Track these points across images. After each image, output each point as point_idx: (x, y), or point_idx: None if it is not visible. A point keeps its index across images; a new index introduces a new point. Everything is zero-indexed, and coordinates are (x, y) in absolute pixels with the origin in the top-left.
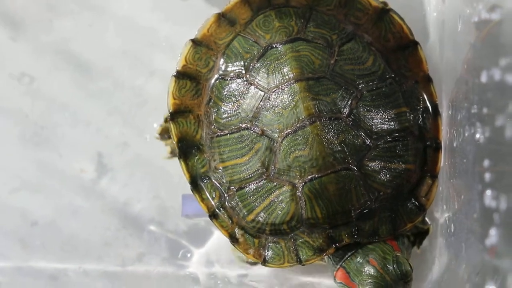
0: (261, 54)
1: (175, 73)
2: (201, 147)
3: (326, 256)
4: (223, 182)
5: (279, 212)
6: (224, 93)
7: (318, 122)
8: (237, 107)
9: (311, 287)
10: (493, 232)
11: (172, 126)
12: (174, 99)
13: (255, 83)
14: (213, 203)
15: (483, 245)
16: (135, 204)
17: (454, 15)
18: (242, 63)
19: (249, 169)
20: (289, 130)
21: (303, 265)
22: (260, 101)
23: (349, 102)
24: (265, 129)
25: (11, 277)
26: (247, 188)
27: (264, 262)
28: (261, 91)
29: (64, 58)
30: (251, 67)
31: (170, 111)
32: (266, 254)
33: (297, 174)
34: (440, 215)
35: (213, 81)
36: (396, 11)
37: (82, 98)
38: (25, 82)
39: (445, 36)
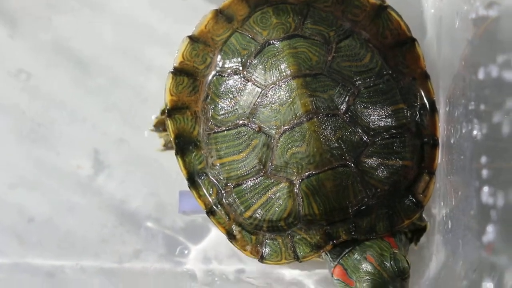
0: (259, 51)
1: (172, 70)
2: (198, 143)
3: (324, 253)
4: (220, 179)
5: (277, 208)
6: (221, 90)
7: (315, 119)
8: (234, 103)
9: (307, 283)
10: (490, 228)
11: (169, 122)
12: (171, 95)
13: (252, 79)
14: (210, 199)
15: (480, 241)
16: (132, 201)
17: (451, 12)
18: (239, 59)
19: (246, 165)
20: (286, 127)
21: (300, 261)
22: (257, 97)
23: (346, 99)
24: (262, 125)
25: (8, 273)
26: (245, 185)
27: (262, 259)
28: (258, 87)
29: (62, 55)
30: (248, 63)
31: (167, 107)
32: (263, 251)
33: (294, 170)
34: (437, 211)
35: (210, 77)
36: (393, 7)
37: (79, 94)
38: (23, 79)
39: (443, 32)
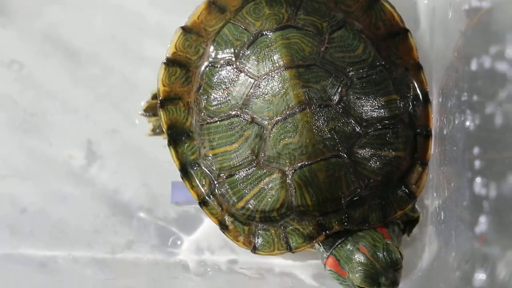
0: (251, 42)
1: (165, 60)
2: (191, 134)
3: (316, 243)
4: (213, 169)
5: (269, 199)
6: (214, 80)
7: (308, 110)
8: (227, 94)
9: (300, 274)
10: (482, 219)
11: (162, 113)
12: (164, 86)
13: (245, 70)
14: (202, 190)
15: (473, 232)
16: (124, 191)
17: (444, 3)
18: (232, 50)
19: (238, 156)
20: (279, 118)
21: (293, 252)
22: (250, 88)
23: (339, 90)
24: (255, 116)
25: (0, 264)
26: (237, 175)
27: (254, 249)
28: (251, 78)
29: (53, 44)
30: (241, 54)
31: (160, 98)
32: (256, 242)
33: (287, 161)
34: (430, 202)
35: (203, 68)
36: None
37: (71, 85)
38: (15, 69)
39: (436, 23)
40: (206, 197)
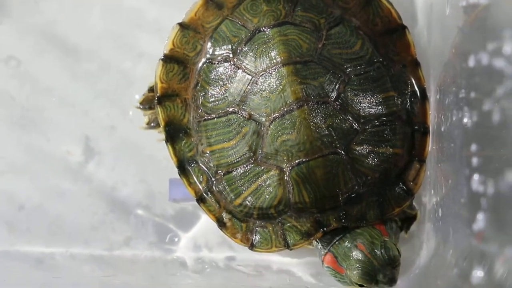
0: (249, 38)
1: (163, 57)
2: (188, 131)
3: (314, 240)
4: (210, 166)
5: (267, 196)
6: (212, 77)
7: (306, 106)
8: (224, 91)
9: (297, 271)
10: (480, 216)
11: (159, 110)
12: (162, 82)
13: (243, 67)
14: (200, 187)
15: (471, 230)
16: (122, 188)
17: None
18: (230, 46)
19: (236, 153)
20: (276, 114)
21: (291, 249)
22: (248, 85)
23: (336, 86)
24: (252, 113)
25: None
26: (235, 172)
27: (252, 246)
28: (249, 75)
29: (51, 40)
30: (238, 51)
31: (158, 95)
32: (253, 239)
33: (285, 158)
34: (427, 199)
35: (200, 64)
36: None
37: (69, 80)
38: (12, 65)
39: (433, 20)
40: (204, 194)
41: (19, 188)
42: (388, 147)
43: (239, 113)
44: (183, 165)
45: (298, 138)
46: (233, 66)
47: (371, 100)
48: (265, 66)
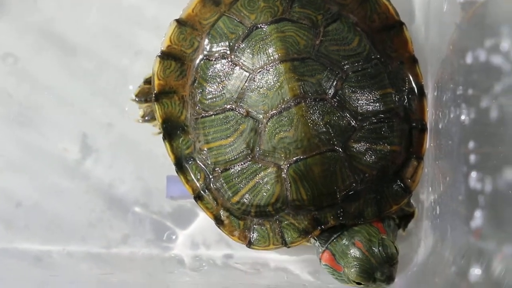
0: (246, 35)
1: (160, 54)
2: (185, 128)
3: (312, 238)
4: (208, 164)
5: (264, 193)
6: (209, 74)
7: (303, 103)
8: (221, 88)
9: (295, 269)
10: (478, 214)
11: (156, 107)
12: (159, 79)
13: (240, 63)
14: (198, 184)
15: (468, 227)
16: (119, 186)
17: None
18: (227, 43)
19: (234, 150)
20: (274, 111)
21: (288, 247)
22: (245, 82)
23: (334, 83)
24: (250, 110)
25: None
26: (232, 170)
27: (249, 244)
28: (246, 71)
29: (48, 38)
30: (236, 47)
31: (155, 92)
32: (251, 236)
33: (282, 155)
34: (425, 197)
35: (197, 61)
36: None
37: (66, 78)
38: (10, 63)
39: (431, 16)
40: (201, 192)
41: (16, 185)
42: (385, 144)
43: (237, 110)
44: (181, 163)
45: (295, 135)
46: (230, 63)
47: (369, 97)
48: (262, 63)
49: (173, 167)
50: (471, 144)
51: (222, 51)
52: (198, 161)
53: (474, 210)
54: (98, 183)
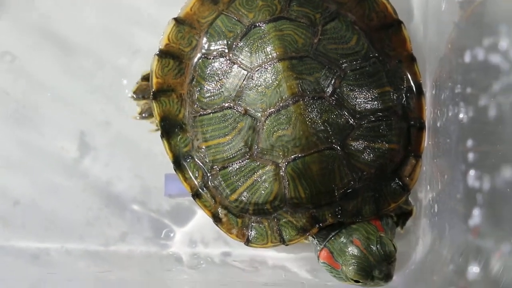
0: (244, 33)
1: (158, 52)
2: (184, 126)
3: (310, 236)
4: (206, 162)
5: (262, 191)
6: (207, 72)
7: (301, 102)
8: (220, 86)
9: (293, 266)
10: (476, 212)
11: (155, 105)
12: (157, 78)
13: (238, 62)
14: (196, 182)
15: (467, 225)
16: (117, 183)
17: None
18: (225, 42)
19: (232, 148)
20: (272, 110)
21: (287, 245)
22: (243, 80)
23: (332, 82)
24: (248, 108)
25: None
26: (230, 168)
27: (248, 242)
28: (244, 70)
29: (46, 36)
30: (234, 46)
31: (153, 90)
32: (249, 234)
33: (280, 153)
34: (423, 195)
35: (196, 60)
36: None
37: (64, 76)
38: (7, 60)
39: (429, 15)
40: (199, 190)
41: (14, 183)
42: (384, 142)
43: (235, 108)
44: (179, 161)
45: (293, 134)
46: (228, 61)
47: (367, 95)
48: (260, 61)
49: (171, 165)
50: (469, 143)
51: (220, 49)
52: (196, 159)
53: (472, 208)
54: (96, 181)
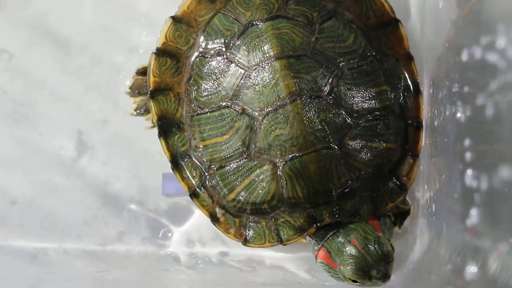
0: (242, 32)
1: (155, 51)
2: (181, 125)
3: (308, 235)
4: (203, 161)
5: (260, 191)
6: (204, 71)
7: (299, 101)
8: (217, 85)
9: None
10: (474, 212)
11: (152, 104)
12: (154, 76)
13: (236, 60)
14: (193, 182)
15: (464, 225)
16: (115, 183)
17: None
18: (223, 40)
19: (229, 147)
20: (269, 109)
21: (284, 245)
22: (241, 79)
23: (329, 80)
24: (245, 107)
25: None
26: (228, 167)
27: (245, 242)
28: (242, 69)
29: (43, 34)
30: (231, 44)
31: (150, 89)
32: (247, 234)
33: (278, 153)
34: (421, 194)
35: (193, 58)
36: None
37: (61, 74)
38: (4, 59)
39: (427, 13)
40: (197, 189)
41: (11, 182)
42: (381, 141)
43: (232, 107)
44: (176, 160)
45: (291, 133)
46: (226, 60)
47: (364, 94)
48: (258, 60)
49: (169, 164)
50: (466, 142)
51: (217, 48)
52: (193, 159)
53: (469, 208)
54: (93, 180)
